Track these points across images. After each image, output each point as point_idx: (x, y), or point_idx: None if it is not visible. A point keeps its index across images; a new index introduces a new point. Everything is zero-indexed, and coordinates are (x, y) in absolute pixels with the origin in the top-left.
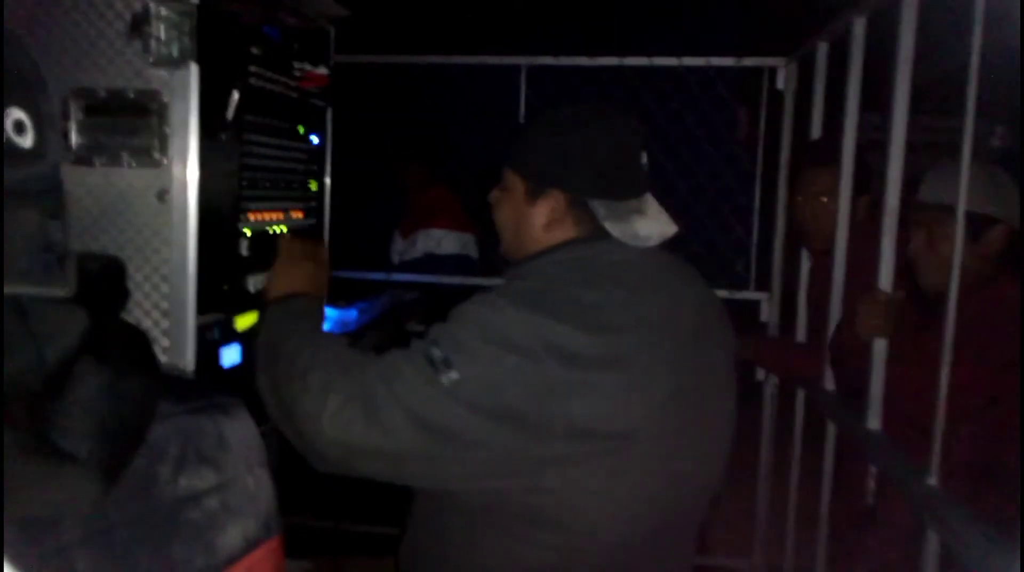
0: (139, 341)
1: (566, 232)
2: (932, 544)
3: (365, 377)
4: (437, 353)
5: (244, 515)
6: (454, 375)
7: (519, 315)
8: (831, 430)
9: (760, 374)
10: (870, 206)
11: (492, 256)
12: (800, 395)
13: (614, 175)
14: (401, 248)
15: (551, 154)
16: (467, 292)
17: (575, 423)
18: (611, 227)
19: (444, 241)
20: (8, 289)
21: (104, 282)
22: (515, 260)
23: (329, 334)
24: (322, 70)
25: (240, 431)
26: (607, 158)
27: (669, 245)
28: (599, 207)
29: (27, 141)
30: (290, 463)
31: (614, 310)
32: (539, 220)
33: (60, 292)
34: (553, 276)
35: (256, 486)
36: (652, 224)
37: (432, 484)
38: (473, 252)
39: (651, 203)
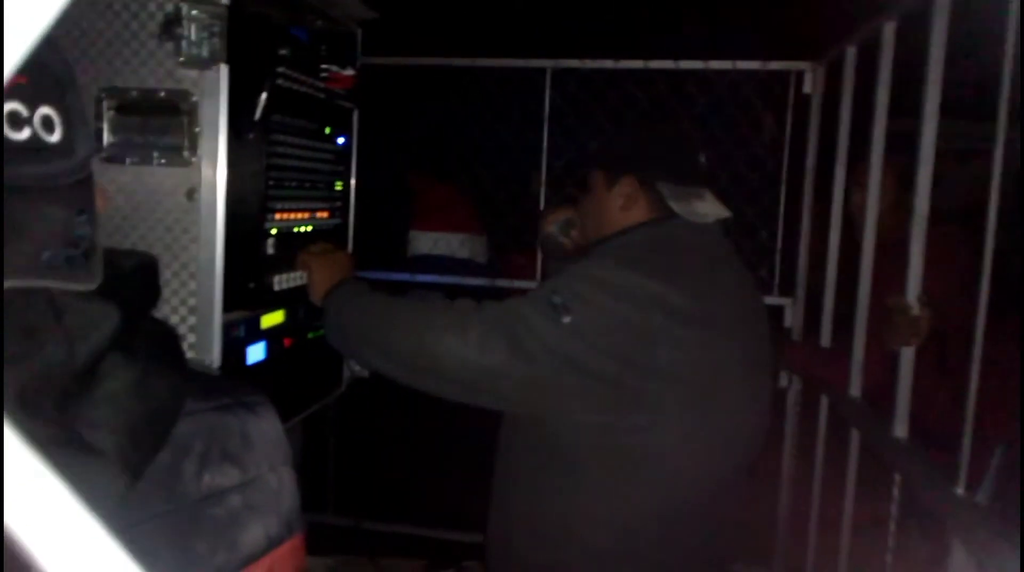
0: (168, 339)
1: (640, 213)
2: (958, 555)
3: (497, 313)
4: (558, 299)
5: (266, 513)
6: (572, 317)
7: (626, 272)
8: (855, 437)
9: (783, 380)
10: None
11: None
12: (823, 401)
13: (677, 163)
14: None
15: (626, 146)
16: (490, 293)
17: (669, 367)
18: (674, 205)
19: (417, 242)
20: (35, 283)
21: (137, 279)
22: (595, 243)
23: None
24: (349, 71)
25: (265, 430)
26: (671, 148)
27: None
28: (664, 188)
29: (55, 136)
30: (313, 462)
31: (699, 277)
32: (616, 202)
33: (84, 286)
34: (649, 247)
35: (279, 485)
36: (709, 206)
37: (550, 408)
38: (462, 252)
39: (709, 194)
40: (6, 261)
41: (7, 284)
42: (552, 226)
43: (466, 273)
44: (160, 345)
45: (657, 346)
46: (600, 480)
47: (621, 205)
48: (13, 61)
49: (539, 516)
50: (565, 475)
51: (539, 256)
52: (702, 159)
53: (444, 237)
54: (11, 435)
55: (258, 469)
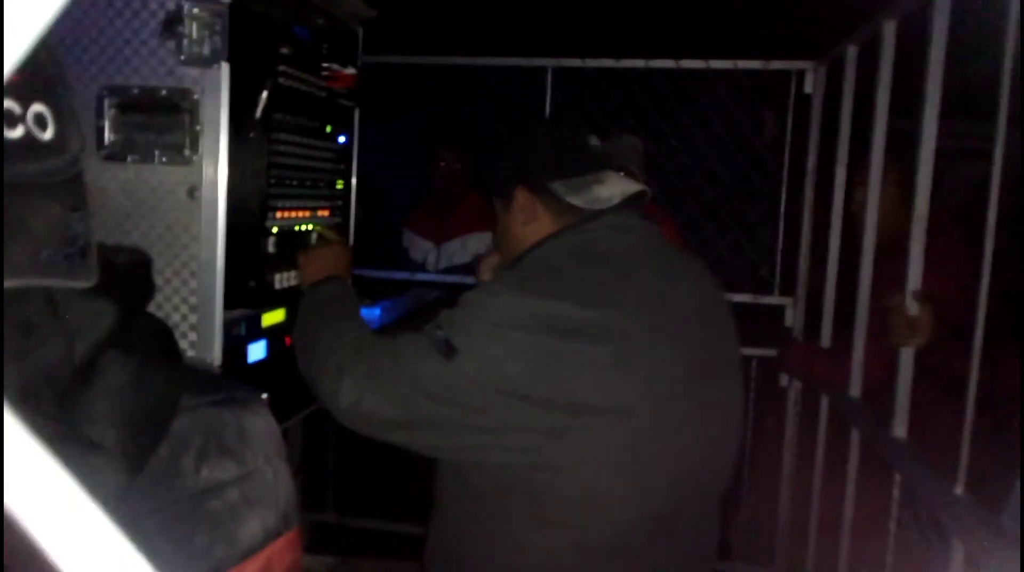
0: (163, 334)
1: (546, 225)
2: (957, 553)
3: (374, 357)
4: (439, 334)
5: (264, 507)
6: (455, 353)
7: (515, 296)
8: (855, 437)
9: (783, 380)
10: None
11: None
12: (824, 401)
13: (562, 157)
14: (438, 252)
15: (503, 163)
16: None
17: (574, 396)
18: (573, 199)
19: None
20: (32, 281)
21: (132, 275)
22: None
23: (350, 319)
24: (350, 70)
25: (259, 424)
26: (551, 145)
27: (697, 249)
28: (558, 186)
29: (47, 134)
30: (313, 461)
31: (609, 287)
32: (517, 219)
33: (83, 283)
34: (550, 263)
35: (275, 478)
36: (612, 187)
37: (446, 453)
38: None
39: (612, 175)
40: (7, 260)
41: (8, 283)
42: (487, 274)
43: None
44: (156, 340)
45: (557, 374)
46: (516, 524)
47: (523, 220)
48: (13, 60)
49: (460, 557)
50: (481, 519)
51: None
52: (593, 142)
53: (473, 238)
54: (15, 430)
55: (255, 463)
